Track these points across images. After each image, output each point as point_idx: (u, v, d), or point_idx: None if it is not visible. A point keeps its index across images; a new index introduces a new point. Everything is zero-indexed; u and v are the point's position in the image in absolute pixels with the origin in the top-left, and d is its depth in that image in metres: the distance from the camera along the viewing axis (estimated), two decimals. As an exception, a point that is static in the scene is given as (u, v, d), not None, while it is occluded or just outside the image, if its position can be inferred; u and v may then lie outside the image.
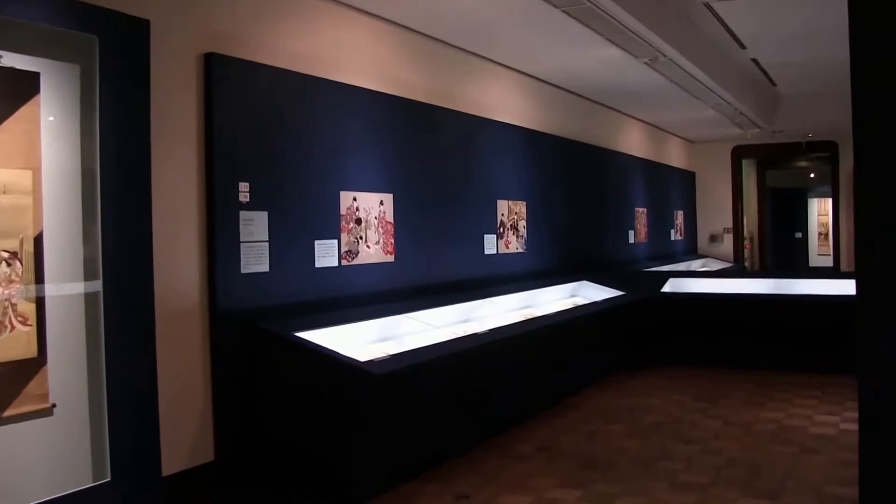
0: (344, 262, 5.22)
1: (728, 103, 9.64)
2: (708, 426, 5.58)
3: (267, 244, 4.62)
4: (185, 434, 4.15)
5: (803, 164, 17.10)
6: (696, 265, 12.54)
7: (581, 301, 7.74)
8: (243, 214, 4.47)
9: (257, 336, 4.38)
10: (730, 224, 14.07)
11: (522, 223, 7.58)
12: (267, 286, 4.61)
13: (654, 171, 11.84)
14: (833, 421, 5.65)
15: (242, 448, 4.37)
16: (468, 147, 6.76)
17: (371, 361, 4.16)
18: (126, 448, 3.61)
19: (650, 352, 7.86)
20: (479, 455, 4.98)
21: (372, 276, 5.49)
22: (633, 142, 11.11)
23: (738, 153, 13.93)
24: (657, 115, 11.28)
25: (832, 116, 11.39)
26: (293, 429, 4.29)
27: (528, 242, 7.68)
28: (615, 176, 10.22)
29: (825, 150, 13.32)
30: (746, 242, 14.89)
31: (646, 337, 7.86)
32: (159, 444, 3.78)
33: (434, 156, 6.28)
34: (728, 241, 14.06)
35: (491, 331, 5.37)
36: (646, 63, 7.22)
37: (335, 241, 5.14)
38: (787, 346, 7.41)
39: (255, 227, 4.54)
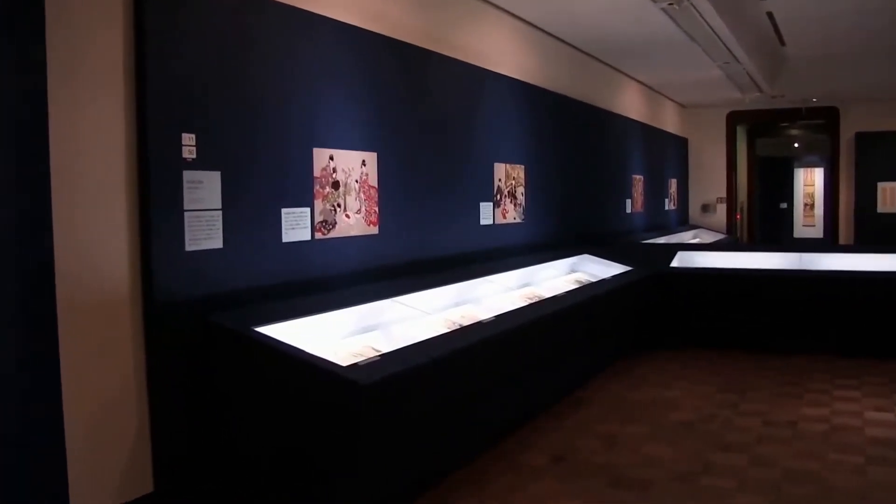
0: (318, 235, 4.27)
1: (738, 61, 8.79)
2: (745, 427, 4.76)
3: (219, 213, 3.66)
4: (110, 462, 3.21)
5: (795, 132, 16.40)
6: (687, 237, 11.75)
7: (584, 277, 6.88)
8: (188, 175, 3.50)
9: (208, 333, 3.44)
10: (723, 193, 13.30)
11: (521, 190, 6.67)
12: (220, 267, 3.65)
13: (651, 137, 10.98)
14: (889, 420, 4.87)
15: (191, 475, 3.44)
16: (463, 101, 5.81)
17: (355, 366, 3.24)
18: (12, 490, 2.67)
19: (658, 333, 7.05)
20: (483, 468, 4.11)
21: (352, 251, 4.55)
22: (630, 103, 10.21)
23: (734, 119, 13.11)
24: (656, 75, 10.38)
25: (836, 81, 10.70)
26: (257, 450, 3.36)
27: (527, 211, 6.77)
28: (613, 140, 9.33)
29: (825, 117, 12.54)
30: (737, 213, 14.14)
31: (653, 317, 7.04)
32: (66, 481, 2.83)
33: (425, 109, 5.32)
34: (721, 211, 13.29)
35: (497, 319, 4.47)
36: (663, 8, 6.31)
37: (307, 210, 4.19)
38: (813, 328, 6.62)
39: (203, 192, 3.58)
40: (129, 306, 3.29)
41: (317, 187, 4.26)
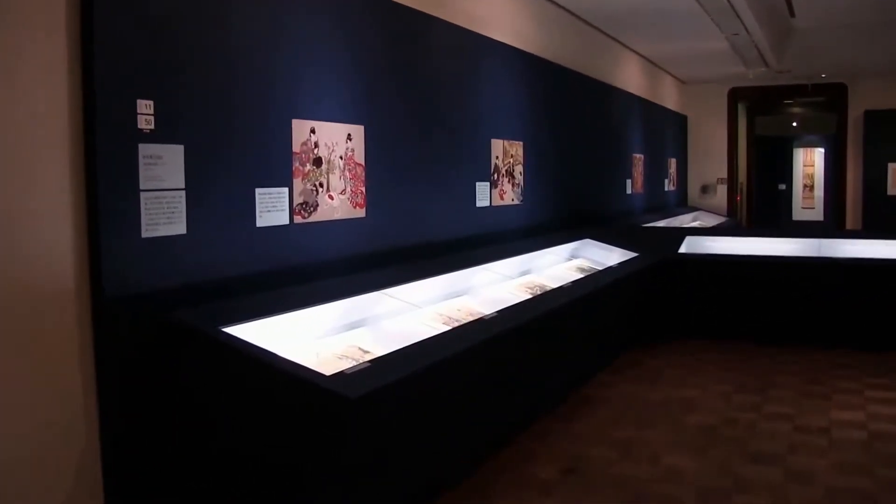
0: (298, 219, 3.76)
1: (747, 31, 8.27)
2: (774, 432, 4.30)
3: (182, 194, 3.13)
4: (54, 480, 2.71)
5: (797, 110, 15.94)
6: (687, 219, 11.28)
7: (586, 264, 6.40)
8: (145, 149, 2.97)
9: (169, 333, 2.92)
10: (723, 174, 12.81)
11: (519, 168, 6.16)
12: (183, 256, 3.14)
13: (651, 113, 10.47)
14: (929, 423, 4.42)
15: (148, 493, 2.93)
16: (459, 69, 5.28)
17: (341, 375, 2.73)
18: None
19: (666, 324, 6.58)
20: (486, 482, 3.63)
21: (336, 237, 4.04)
22: (630, 78, 9.68)
23: (736, 96, 12.60)
24: (658, 48, 9.84)
25: (846, 55, 10.19)
26: (228, 466, 2.85)
27: (525, 192, 6.27)
28: (614, 116, 8.82)
29: (833, 93, 12.03)
30: (738, 195, 13.68)
31: (660, 306, 6.57)
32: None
33: (419, 78, 4.79)
34: (721, 192, 12.81)
35: (499, 315, 3.97)
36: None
37: (285, 190, 3.67)
38: (836, 320, 6.16)
39: (163, 169, 3.05)
40: (75, 303, 2.78)
41: (296, 164, 3.74)
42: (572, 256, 6.59)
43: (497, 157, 5.78)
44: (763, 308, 6.32)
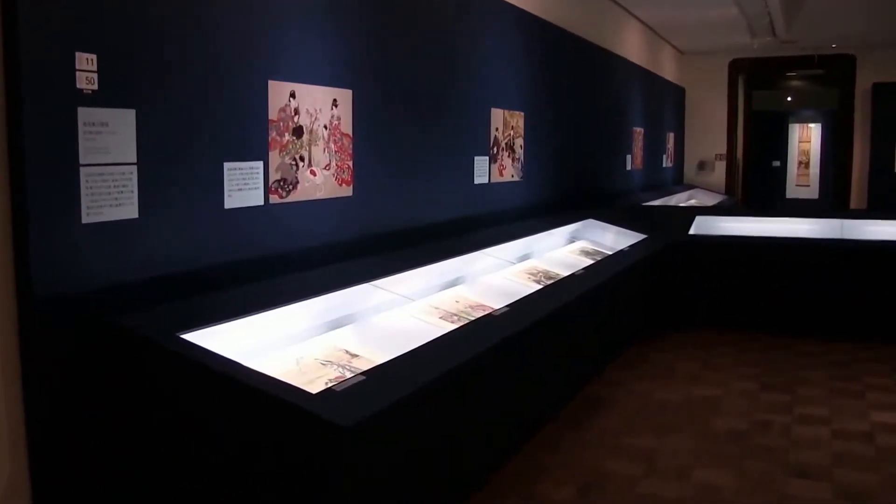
0: (274, 199, 3.21)
1: (759, -2, 7.77)
2: (812, 439, 3.84)
3: (134, 170, 2.58)
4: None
5: (797, 83, 15.45)
6: (683, 198, 10.78)
7: (589, 247, 5.91)
8: (86, 114, 2.42)
9: (116, 344, 2.38)
10: (721, 150, 12.31)
11: (520, 142, 5.62)
12: (135, 245, 2.59)
13: (651, 85, 9.93)
14: (982, 429, 3.98)
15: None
16: (459, 29, 4.72)
17: (330, 393, 2.20)
18: None
19: (675, 312, 6.10)
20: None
21: (319, 219, 3.50)
22: (630, 45, 9.12)
23: (737, 67, 12.06)
24: (662, 12, 9.21)
25: (856, 25, 9.66)
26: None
27: (526, 168, 5.74)
28: (616, 86, 8.28)
29: (840, 65, 11.51)
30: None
31: (670, 293, 6.09)
32: None
33: (415, 38, 4.23)
34: (720, 169, 12.31)
35: (510, 309, 3.45)
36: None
37: (259, 165, 3.12)
38: (860, 307, 5.70)
39: (109, 139, 2.49)
40: (-8, 306, 2.23)
41: (273, 134, 3.18)
42: (574, 238, 6.09)
43: (497, 129, 5.24)
44: (781, 295, 5.85)
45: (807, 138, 16.84)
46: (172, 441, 2.30)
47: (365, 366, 2.83)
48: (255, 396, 2.13)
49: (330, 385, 2.42)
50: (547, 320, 3.50)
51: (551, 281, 4.49)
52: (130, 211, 2.58)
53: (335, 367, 2.79)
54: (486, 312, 3.66)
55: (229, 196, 2.98)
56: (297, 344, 2.92)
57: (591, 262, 5.21)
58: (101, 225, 2.48)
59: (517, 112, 5.54)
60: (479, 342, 2.92)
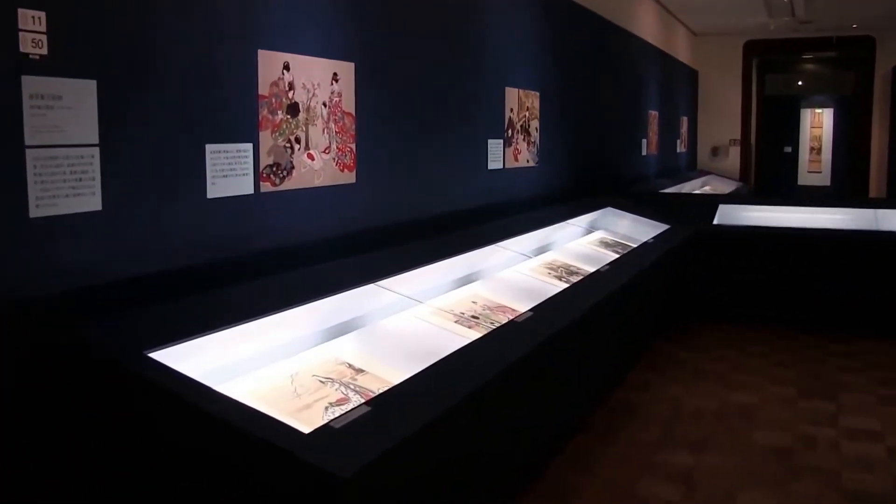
0: (266, 187, 2.79)
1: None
2: (864, 457, 3.44)
3: (96, 152, 2.16)
4: None
5: (810, 66, 14.99)
6: (697, 184, 10.34)
7: (609, 237, 5.49)
8: (33, 84, 1.99)
9: (71, 363, 1.96)
10: (735, 135, 11.85)
11: (535, 124, 5.19)
12: (98, 243, 2.18)
13: (666, 66, 9.48)
14: None
15: None
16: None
17: (326, 431, 1.79)
18: None
19: (701, 307, 5.71)
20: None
21: (318, 210, 3.08)
22: (645, 25, 8.66)
23: (751, 50, 11.58)
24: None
25: (877, 6, 9.20)
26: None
27: (541, 152, 5.31)
28: (631, 67, 7.83)
29: (859, 47, 11.04)
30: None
31: (694, 287, 5.69)
32: None
33: (423, 5, 3.79)
34: (734, 155, 11.86)
35: (534, 314, 3.03)
36: None
37: (248, 147, 2.70)
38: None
39: (63, 115, 2.07)
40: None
41: (264, 112, 2.75)
42: (592, 228, 5.67)
43: (511, 110, 4.81)
44: (813, 289, 5.45)
45: (819, 124, 16.41)
46: (140, 482, 1.89)
47: (371, 383, 2.43)
48: (236, 437, 1.71)
49: (327, 416, 2.02)
50: (577, 325, 3.09)
51: (574, 277, 4.09)
52: (91, 202, 2.16)
53: (336, 385, 2.39)
54: (507, 314, 3.26)
55: (212, 184, 2.56)
56: (292, 356, 2.51)
57: (614, 255, 4.81)
58: (55, 219, 2.06)
59: (532, 92, 5.10)
60: (503, 356, 2.50)
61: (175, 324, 2.14)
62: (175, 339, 2.05)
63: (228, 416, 1.73)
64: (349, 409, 1.96)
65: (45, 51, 2.02)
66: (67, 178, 2.09)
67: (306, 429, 1.77)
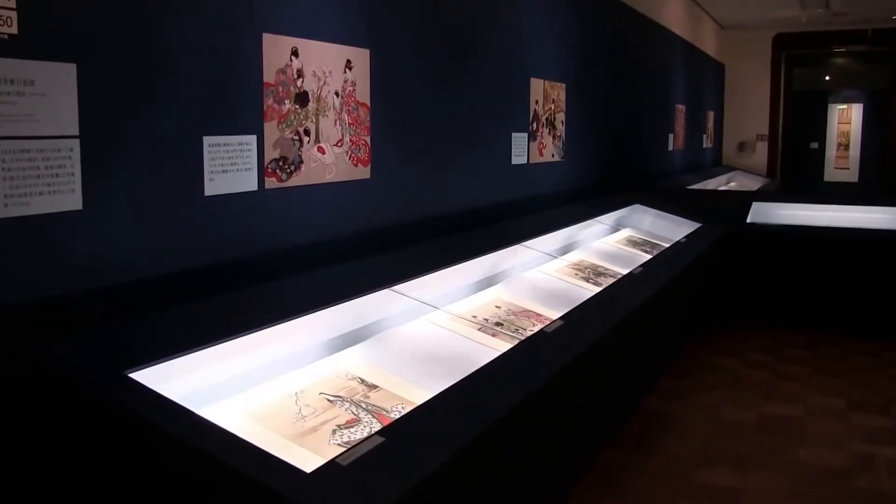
0: (271, 183, 2.54)
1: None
2: (928, 479, 3.15)
3: (76, 145, 1.91)
4: None
5: (840, 61, 14.58)
6: (723, 180, 10.01)
7: (637, 235, 5.20)
8: (2, 67, 1.75)
9: (41, 383, 1.72)
10: (763, 130, 11.50)
11: (561, 117, 4.91)
12: (78, 246, 1.93)
13: (693, 59, 9.16)
14: None
15: None
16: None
17: (333, 469, 1.52)
18: None
19: (735, 308, 5.41)
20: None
21: (329, 208, 2.82)
22: (673, 16, 8.34)
23: (781, 43, 11.21)
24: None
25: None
26: None
27: (567, 147, 5.03)
28: (658, 59, 7.53)
29: (893, 41, 10.63)
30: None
31: (728, 288, 5.39)
32: None
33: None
34: (761, 150, 11.50)
35: (565, 322, 2.76)
36: None
37: (252, 140, 2.45)
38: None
39: (36, 102, 1.83)
40: None
41: (269, 101, 2.50)
42: (619, 226, 5.39)
43: (537, 102, 4.53)
44: (854, 292, 5.13)
45: (847, 119, 15.98)
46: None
47: (385, 401, 2.17)
48: (225, 477, 1.46)
49: (334, 441, 1.76)
50: (611, 334, 2.81)
51: (601, 278, 3.82)
52: (70, 200, 1.91)
53: (346, 405, 2.13)
54: (532, 320, 3.01)
55: (211, 180, 2.31)
56: (297, 370, 2.26)
57: (643, 254, 4.53)
58: (27, 220, 1.82)
59: (558, 83, 4.83)
60: (534, 372, 2.23)
61: (163, 337, 1.89)
62: (162, 355, 1.80)
63: (214, 451, 1.47)
64: (359, 438, 1.71)
65: (14, 30, 1.77)
66: (42, 174, 1.85)
67: (307, 465, 1.51)
